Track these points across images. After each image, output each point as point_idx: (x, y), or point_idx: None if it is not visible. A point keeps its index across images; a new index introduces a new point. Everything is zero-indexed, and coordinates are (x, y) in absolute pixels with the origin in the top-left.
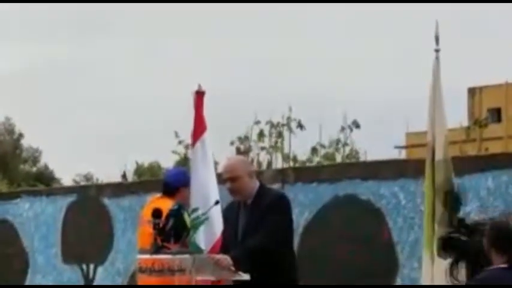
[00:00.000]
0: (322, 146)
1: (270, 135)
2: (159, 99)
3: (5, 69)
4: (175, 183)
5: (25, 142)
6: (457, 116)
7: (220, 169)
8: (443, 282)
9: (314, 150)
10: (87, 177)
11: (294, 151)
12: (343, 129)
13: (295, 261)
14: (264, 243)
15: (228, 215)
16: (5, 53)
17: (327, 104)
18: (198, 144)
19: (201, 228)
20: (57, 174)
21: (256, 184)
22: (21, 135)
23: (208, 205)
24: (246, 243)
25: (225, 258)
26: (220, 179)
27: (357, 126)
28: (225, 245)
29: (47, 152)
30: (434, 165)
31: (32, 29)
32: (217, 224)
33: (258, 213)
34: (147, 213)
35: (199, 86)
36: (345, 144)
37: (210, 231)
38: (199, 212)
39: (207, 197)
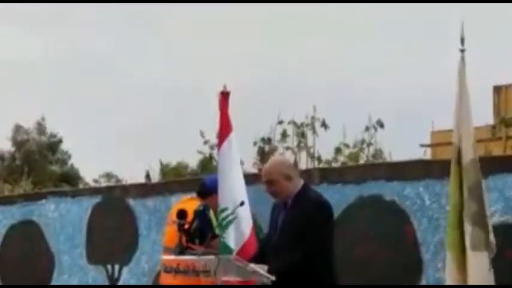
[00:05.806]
0: (346, 146)
1: (296, 134)
2: (184, 97)
3: (30, 60)
4: (212, 187)
5: (63, 146)
6: (482, 114)
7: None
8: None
9: (338, 150)
10: (110, 176)
11: (318, 151)
12: (367, 128)
13: (332, 271)
14: (302, 263)
15: (272, 215)
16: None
17: (350, 102)
18: (225, 144)
19: (231, 228)
20: (82, 172)
21: (298, 185)
22: (60, 141)
23: (236, 206)
24: (288, 258)
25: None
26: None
27: (381, 125)
28: (265, 244)
29: (72, 151)
30: (463, 166)
31: (62, 24)
32: (246, 224)
33: (293, 217)
34: (173, 214)
35: (225, 86)
36: (370, 144)
37: (238, 231)
38: (228, 211)
39: (235, 197)
